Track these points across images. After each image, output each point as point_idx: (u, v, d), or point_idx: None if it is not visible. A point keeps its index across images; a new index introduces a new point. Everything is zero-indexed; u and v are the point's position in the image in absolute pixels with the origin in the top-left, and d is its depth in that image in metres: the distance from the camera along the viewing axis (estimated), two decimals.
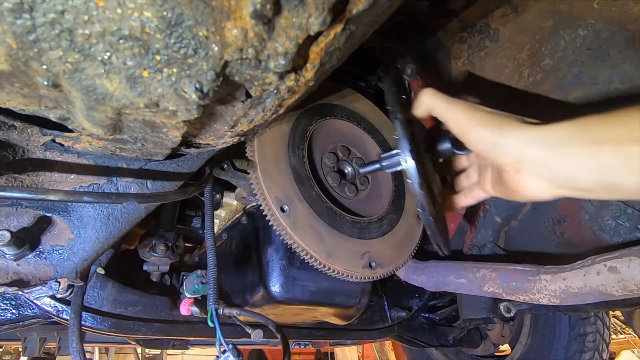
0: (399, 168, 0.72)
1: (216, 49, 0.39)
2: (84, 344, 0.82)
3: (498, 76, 0.96)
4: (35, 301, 0.87)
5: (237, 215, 1.11)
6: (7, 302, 0.89)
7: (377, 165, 0.80)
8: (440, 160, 0.77)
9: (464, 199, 0.78)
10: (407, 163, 0.63)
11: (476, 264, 0.96)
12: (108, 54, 0.38)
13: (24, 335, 1.93)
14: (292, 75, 0.48)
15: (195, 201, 1.29)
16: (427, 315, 1.61)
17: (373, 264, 0.86)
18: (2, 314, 0.88)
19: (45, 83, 0.40)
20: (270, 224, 0.78)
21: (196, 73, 0.41)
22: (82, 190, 0.64)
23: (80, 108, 0.46)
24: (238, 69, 0.44)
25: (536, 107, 0.94)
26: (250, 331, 0.75)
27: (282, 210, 0.78)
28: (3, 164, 0.56)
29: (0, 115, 0.55)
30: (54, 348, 2.17)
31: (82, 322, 0.91)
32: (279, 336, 0.73)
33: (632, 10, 0.74)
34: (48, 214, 0.66)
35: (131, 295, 1.00)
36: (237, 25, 0.38)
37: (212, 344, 1.51)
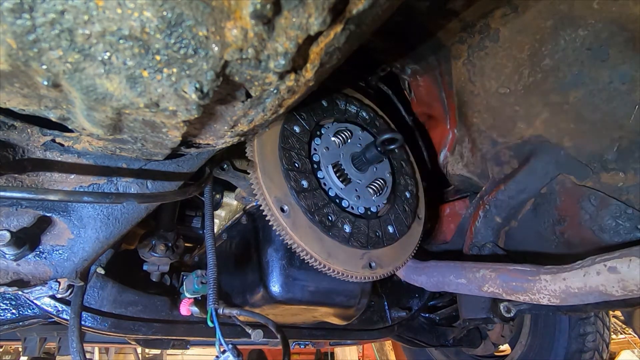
0: None
1: (216, 49, 0.39)
2: (84, 344, 0.83)
3: (498, 76, 0.96)
4: (35, 301, 0.87)
5: (237, 215, 1.11)
6: (7, 302, 0.89)
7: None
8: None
9: None
10: None
11: (476, 264, 0.96)
12: (108, 54, 0.38)
13: (24, 335, 1.93)
14: (292, 75, 0.48)
15: (195, 201, 1.29)
16: (427, 315, 1.61)
17: (373, 264, 0.86)
18: (2, 314, 0.88)
19: (45, 83, 0.40)
20: (270, 224, 0.78)
21: (196, 73, 0.41)
22: (82, 190, 0.64)
23: (80, 108, 0.46)
24: (238, 69, 0.44)
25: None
26: (250, 331, 0.75)
27: (282, 210, 0.78)
28: (3, 164, 0.56)
29: (0, 115, 0.55)
30: (54, 348, 2.17)
31: (82, 322, 0.91)
32: (279, 336, 0.73)
33: (632, 10, 0.74)
34: (48, 214, 0.66)
35: (131, 295, 1.00)
36: (237, 25, 0.38)
37: (212, 344, 1.51)
